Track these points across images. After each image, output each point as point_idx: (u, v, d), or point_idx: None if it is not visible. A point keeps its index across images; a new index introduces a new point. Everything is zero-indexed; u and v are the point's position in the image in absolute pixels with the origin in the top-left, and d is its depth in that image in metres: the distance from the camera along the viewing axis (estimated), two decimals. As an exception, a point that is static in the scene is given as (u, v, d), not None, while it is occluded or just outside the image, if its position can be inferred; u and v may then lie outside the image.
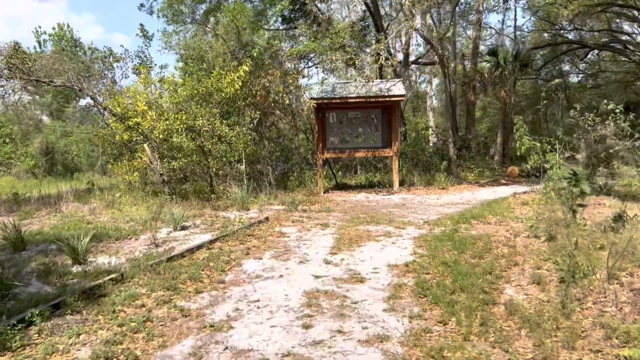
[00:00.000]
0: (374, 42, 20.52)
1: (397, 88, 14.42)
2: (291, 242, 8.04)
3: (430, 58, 23.48)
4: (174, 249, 7.86)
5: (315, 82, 15.40)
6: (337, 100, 14.13)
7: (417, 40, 25.68)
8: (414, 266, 6.25)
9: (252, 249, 7.61)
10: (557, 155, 13.24)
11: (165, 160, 14.06)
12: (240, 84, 12.19)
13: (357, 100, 14.12)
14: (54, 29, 36.73)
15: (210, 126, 12.23)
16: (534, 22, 36.60)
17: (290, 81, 13.36)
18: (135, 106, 13.74)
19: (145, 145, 14.43)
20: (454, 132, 23.12)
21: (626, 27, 35.53)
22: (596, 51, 36.87)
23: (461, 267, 5.93)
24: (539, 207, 10.41)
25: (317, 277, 5.98)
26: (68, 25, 38.57)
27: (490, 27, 33.72)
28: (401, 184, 15.45)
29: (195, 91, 12.56)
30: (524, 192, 13.38)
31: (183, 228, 9.65)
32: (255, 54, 12.82)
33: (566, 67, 40.27)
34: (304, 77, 15.85)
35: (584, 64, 38.07)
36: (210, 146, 12.57)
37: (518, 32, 33.40)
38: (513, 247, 6.88)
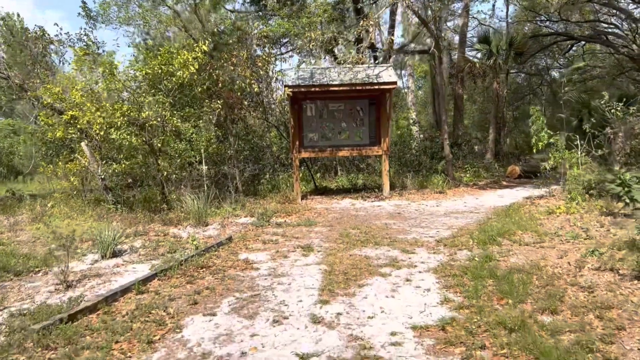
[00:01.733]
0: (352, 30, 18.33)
1: (388, 74, 12.15)
2: (261, 280, 5.63)
3: (419, 44, 21.33)
4: (92, 290, 5.39)
5: (290, 68, 13.02)
6: (317, 89, 11.78)
7: (399, 32, 23.52)
8: (455, 331, 3.93)
9: (202, 294, 5.18)
10: (579, 152, 11.17)
11: (106, 162, 11.47)
12: (196, 66, 9.71)
13: (341, 88, 11.80)
14: (2, 19, 33.33)
15: (159, 119, 9.71)
16: (517, 13, 34.95)
17: (260, 64, 10.94)
18: (71, 96, 11.10)
19: (82, 144, 11.81)
20: (451, 127, 21.06)
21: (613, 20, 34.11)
22: (581, 44, 35.52)
23: (535, 338, 3.65)
24: (576, 219, 8.28)
25: (302, 358, 3.61)
26: (18, 15, 35.18)
27: (474, 18, 31.79)
28: (391, 187, 13.20)
29: (145, 74, 10.02)
30: (540, 197, 11.26)
31: (115, 254, 7.14)
32: (216, 30, 10.37)
33: (549, 61, 38.57)
34: (276, 59, 13.42)
35: (563, 59, 36.50)
36: (160, 144, 10.05)
37: (503, 23, 31.59)
38: (591, 291, 4.64)
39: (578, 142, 10.89)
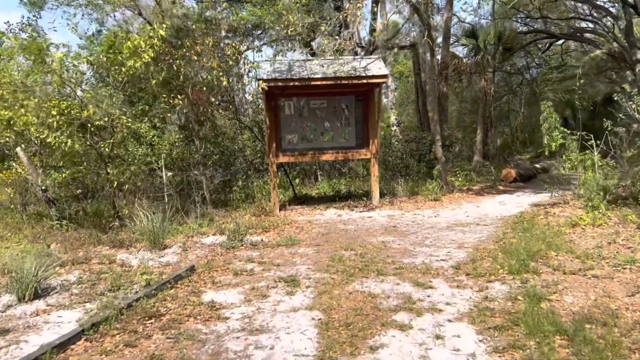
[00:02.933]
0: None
1: (377, 67, 10.65)
2: (231, 341, 4.00)
3: (401, 40, 19.96)
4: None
5: (265, 60, 11.39)
6: (296, 83, 10.19)
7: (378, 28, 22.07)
8: None
9: (145, 369, 3.54)
10: (595, 154, 9.87)
11: (47, 170, 9.66)
12: (151, 54, 8.01)
13: (324, 82, 10.25)
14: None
15: (107, 118, 7.97)
16: (496, 10, 34.00)
17: (229, 53, 9.28)
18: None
19: (18, 149, 9.96)
20: (438, 127, 19.72)
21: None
22: (560, 42, 34.85)
23: None
24: (612, 234, 6.91)
25: None
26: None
27: (455, 15, 30.67)
28: (380, 194, 11.68)
29: (88, 63, 8.26)
30: (552, 204, 9.91)
31: (38, 294, 5.41)
32: (176, 10, 8.70)
33: (528, 60, 37.62)
34: (248, 48, 11.76)
35: (538, 58, 35.68)
36: (108, 148, 8.30)
37: (483, 20, 30.56)
38: None
39: (593, 142, 9.57)
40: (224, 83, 8.81)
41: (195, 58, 8.84)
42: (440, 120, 21.06)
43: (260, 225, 9.11)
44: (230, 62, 9.25)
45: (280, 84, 10.24)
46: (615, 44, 31.66)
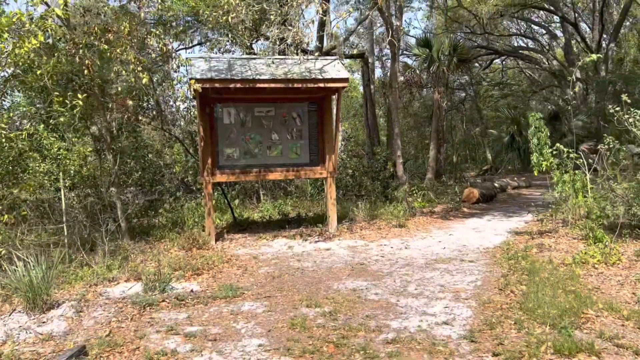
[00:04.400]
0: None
1: (336, 69, 8.93)
2: None
3: (349, 48, 18.48)
4: None
5: (199, 56, 9.36)
6: (238, 85, 8.27)
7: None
8: None
9: None
10: (587, 174, 8.58)
11: None
12: (41, 38, 5.86)
13: (272, 85, 8.40)
14: None
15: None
16: (438, 25, 33.57)
17: (151, 42, 7.21)
18: None
19: None
20: (385, 144, 18.38)
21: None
22: (501, 59, 34.95)
23: None
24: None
25: None
26: None
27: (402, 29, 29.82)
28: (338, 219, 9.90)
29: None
30: (538, 234, 8.52)
31: None
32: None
33: (466, 77, 37.43)
34: (181, 47, 9.69)
35: (478, 75, 35.64)
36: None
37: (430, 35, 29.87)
38: None
39: (583, 160, 8.27)
40: (144, 80, 6.71)
41: (106, 48, 6.71)
42: (389, 135, 19.76)
43: (190, 264, 7.05)
44: (154, 56, 7.20)
45: (217, 85, 8.28)
46: (555, 62, 32.01)
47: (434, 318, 4.73)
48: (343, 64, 9.37)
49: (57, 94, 6.33)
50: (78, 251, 6.88)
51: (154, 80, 8.34)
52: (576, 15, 28.66)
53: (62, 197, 7.30)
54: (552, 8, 26.98)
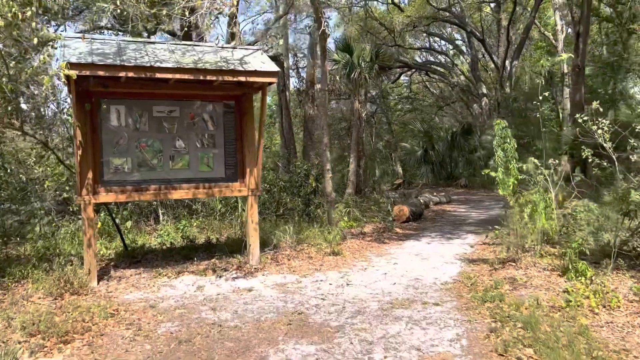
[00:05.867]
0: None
1: (259, 60, 7.13)
2: None
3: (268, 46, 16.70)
4: None
5: (76, 36, 7.09)
6: (131, 74, 6.20)
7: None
8: None
9: None
10: (554, 190, 7.50)
11: None
12: None
13: (177, 76, 6.42)
14: None
15: None
16: (351, 35, 32.94)
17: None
18: None
19: None
20: (300, 155, 16.79)
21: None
22: (410, 73, 35.03)
23: None
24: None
25: None
26: None
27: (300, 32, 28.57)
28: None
29: None
30: (500, 263, 7.28)
31: None
32: None
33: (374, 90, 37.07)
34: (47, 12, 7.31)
35: (377, 89, 35.53)
36: None
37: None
38: None
39: (545, 174, 7.19)
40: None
41: None
42: (305, 147, 18.23)
43: (57, 323, 4.86)
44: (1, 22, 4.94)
45: (101, 73, 6.13)
46: (462, 78, 32.57)
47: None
48: (269, 57, 7.58)
49: None
50: None
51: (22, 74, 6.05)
52: (483, 31, 29.26)
53: None
54: (461, 23, 27.27)
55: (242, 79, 6.72)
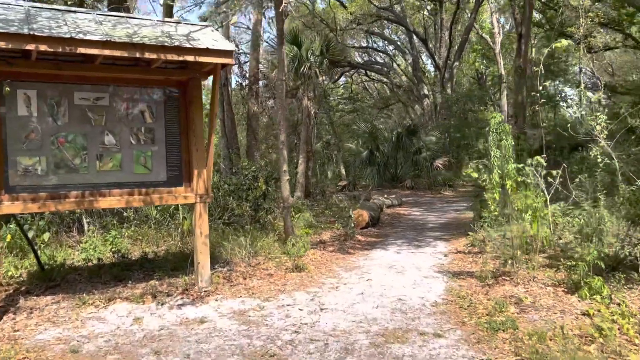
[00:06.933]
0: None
1: (211, 38, 5.85)
2: None
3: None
4: None
5: (-31, -3, 5.50)
6: (44, 47, 4.74)
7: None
8: None
9: None
10: (548, 194, 6.73)
11: None
12: None
13: (106, 52, 5.02)
14: None
15: None
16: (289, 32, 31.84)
17: None
18: None
19: None
20: (244, 156, 15.51)
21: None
22: (351, 72, 34.39)
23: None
24: None
25: None
26: None
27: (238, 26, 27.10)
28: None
29: None
30: (494, 278, 6.41)
31: None
32: None
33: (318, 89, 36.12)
34: None
35: (318, 88, 34.75)
36: None
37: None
38: None
39: (539, 179, 6.41)
40: None
41: None
42: (249, 147, 16.97)
43: None
44: None
45: (3, 44, 4.63)
46: (404, 78, 32.33)
47: None
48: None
49: None
50: None
51: None
52: (425, 31, 29.13)
53: None
54: (403, 23, 26.90)
55: (190, 58, 5.41)
